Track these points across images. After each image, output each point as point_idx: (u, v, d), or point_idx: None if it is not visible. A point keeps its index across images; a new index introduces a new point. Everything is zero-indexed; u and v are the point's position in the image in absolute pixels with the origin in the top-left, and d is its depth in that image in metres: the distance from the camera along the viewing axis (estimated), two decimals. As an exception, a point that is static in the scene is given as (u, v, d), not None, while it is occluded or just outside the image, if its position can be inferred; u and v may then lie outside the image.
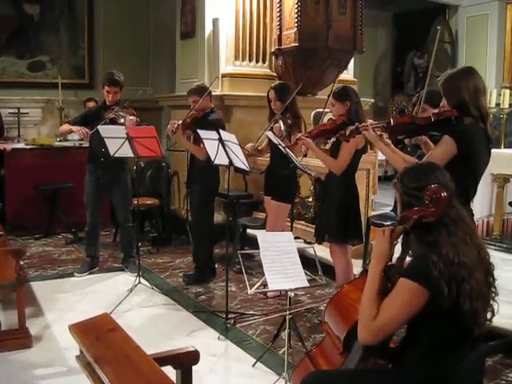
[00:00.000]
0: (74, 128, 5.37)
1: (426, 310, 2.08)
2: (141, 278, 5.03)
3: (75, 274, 5.55)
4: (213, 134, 4.41)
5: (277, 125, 4.75)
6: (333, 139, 4.30)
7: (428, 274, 2.04)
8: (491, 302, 2.17)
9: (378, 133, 3.38)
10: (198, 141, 5.05)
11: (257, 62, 7.36)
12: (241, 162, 4.37)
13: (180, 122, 5.09)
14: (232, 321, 4.43)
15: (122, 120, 5.20)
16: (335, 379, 2.33)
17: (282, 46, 6.82)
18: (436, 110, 3.43)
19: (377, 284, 2.19)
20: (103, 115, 5.33)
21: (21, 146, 7.36)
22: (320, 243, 4.55)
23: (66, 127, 5.61)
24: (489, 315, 2.17)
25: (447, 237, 2.11)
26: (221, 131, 4.40)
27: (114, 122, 5.22)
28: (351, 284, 2.56)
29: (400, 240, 2.29)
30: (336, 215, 4.24)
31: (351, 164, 4.24)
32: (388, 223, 5.01)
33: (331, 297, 2.68)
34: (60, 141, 7.70)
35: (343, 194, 4.27)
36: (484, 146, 3.16)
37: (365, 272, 2.45)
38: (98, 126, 5.02)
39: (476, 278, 2.07)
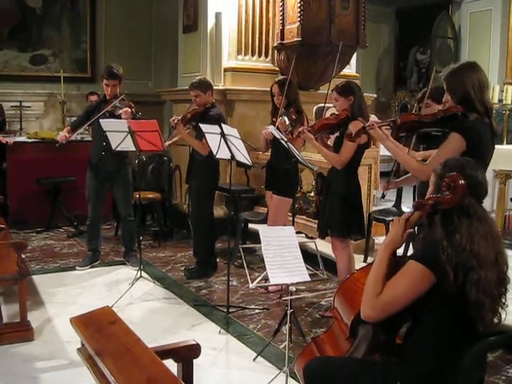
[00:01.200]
0: (60, 134, 5.44)
1: (432, 295, 2.11)
2: (142, 272, 5.04)
3: (77, 267, 5.56)
4: (215, 129, 4.41)
5: (281, 119, 4.75)
6: (336, 134, 4.29)
7: (436, 259, 2.08)
8: (500, 309, 2.17)
9: (386, 130, 3.35)
10: (199, 136, 5.06)
11: (259, 56, 7.35)
12: (243, 156, 4.37)
13: (180, 117, 5.09)
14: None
15: (120, 111, 5.21)
16: (339, 365, 2.34)
17: (285, 41, 6.81)
18: (440, 106, 3.43)
19: (383, 265, 2.24)
20: (103, 109, 5.35)
21: (23, 139, 7.36)
22: (323, 238, 4.55)
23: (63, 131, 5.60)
24: (495, 320, 2.17)
25: (467, 225, 2.12)
26: (223, 125, 4.40)
27: (112, 114, 5.24)
28: (362, 270, 2.56)
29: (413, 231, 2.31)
30: (339, 210, 4.24)
31: (354, 159, 4.24)
32: (390, 218, 5.02)
33: (341, 282, 2.68)
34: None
35: (346, 188, 4.27)
36: (490, 141, 3.16)
37: None
38: (100, 120, 5.04)
39: (486, 273, 2.08)
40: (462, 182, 2.13)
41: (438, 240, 2.12)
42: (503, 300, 2.18)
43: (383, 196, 3.78)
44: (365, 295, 2.21)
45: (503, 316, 2.19)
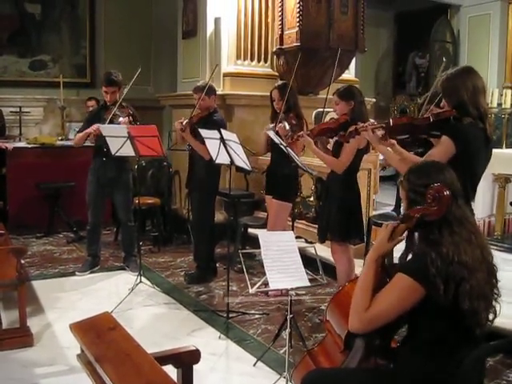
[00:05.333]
0: (88, 130, 5.29)
1: (425, 308, 2.09)
2: (142, 277, 5.03)
3: (76, 272, 5.56)
4: (214, 134, 4.41)
5: (281, 124, 4.74)
6: (335, 138, 4.29)
7: (425, 271, 2.05)
8: (493, 303, 2.17)
9: (380, 132, 3.37)
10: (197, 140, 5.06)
11: (258, 61, 7.36)
12: (242, 161, 4.37)
13: (186, 120, 5.08)
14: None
15: (120, 119, 5.24)
16: (336, 377, 2.34)
17: (284, 46, 6.82)
18: (438, 110, 3.44)
19: (371, 274, 2.21)
20: (103, 115, 5.36)
21: (22, 144, 7.37)
22: (322, 242, 4.54)
23: (80, 135, 5.47)
24: (491, 316, 2.17)
25: (449, 236, 2.11)
26: (222, 130, 4.40)
27: (112, 122, 5.25)
28: (354, 282, 2.56)
29: (404, 238, 2.30)
30: (338, 214, 4.24)
31: (353, 163, 4.23)
32: (389, 223, 5.01)
33: (333, 295, 2.67)
34: (61, 140, 7.71)
35: (345, 193, 4.27)
36: (483, 145, 3.16)
37: None
38: (100, 126, 5.04)
39: (477, 277, 2.07)
40: (446, 192, 2.12)
41: (426, 252, 2.10)
42: (496, 292, 2.17)
43: (384, 168, 3.79)
44: (352, 307, 2.19)
45: (498, 309, 2.18)
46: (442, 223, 2.13)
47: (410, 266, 2.15)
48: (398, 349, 2.36)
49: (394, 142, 3.38)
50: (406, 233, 2.29)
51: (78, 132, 5.72)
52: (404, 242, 2.32)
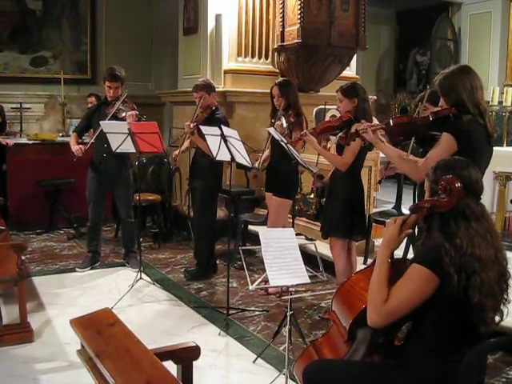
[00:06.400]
0: (72, 148, 5.37)
1: (435, 299, 2.11)
2: (142, 274, 5.04)
3: (77, 269, 5.56)
4: (215, 130, 4.41)
5: (278, 122, 4.74)
6: (340, 135, 4.28)
7: (439, 261, 2.08)
8: (502, 306, 2.18)
9: (380, 133, 3.36)
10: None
11: (259, 58, 7.36)
12: (243, 158, 4.37)
13: (193, 122, 5.04)
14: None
15: (124, 114, 5.21)
16: (338, 369, 2.34)
17: (285, 43, 6.81)
18: (437, 109, 3.44)
19: (384, 269, 2.23)
20: (104, 111, 5.35)
21: (23, 141, 7.37)
22: (326, 238, 4.54)
23: (72, 141, 5.53)
24: (497, 319, 2.18)
25: (465, 229, 2.13)
26: (223, 127, 4.39)
27: (115, 116, 5.24)
28: (361, 273, 2.55)
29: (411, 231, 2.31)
30: (341, 211, 4.24)
31: (356, 160, 4.23)
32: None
33: (339, 285, 2.68)
34: (62, 136, 7.71)
35: (348, 190, 4.26)
36: (485, 141, 3.16)
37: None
38: (101, 122, 5.04)
39: (488, 274, 2.09)
40: (457, 184, 2.13)
41: (440, 243, 2.12)
42: (505, 296, 2.19)
43: (380, 181, 3.79)
44: (370, 302, 2.21)
45: (505, 312, 2.20)
46: (458, 215, 2.15)
47: (424, 256, 2.17)
48: (401, 345, 2.37)
49: (382, 138, 3.37)
50: (410, 230, 2.30)
51: (75, 130, 5.74)
52: (406, 238, 2.34)
